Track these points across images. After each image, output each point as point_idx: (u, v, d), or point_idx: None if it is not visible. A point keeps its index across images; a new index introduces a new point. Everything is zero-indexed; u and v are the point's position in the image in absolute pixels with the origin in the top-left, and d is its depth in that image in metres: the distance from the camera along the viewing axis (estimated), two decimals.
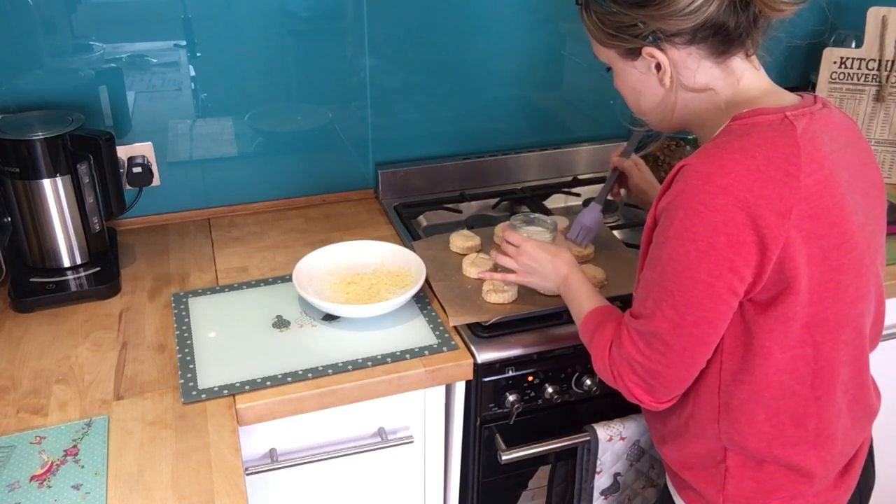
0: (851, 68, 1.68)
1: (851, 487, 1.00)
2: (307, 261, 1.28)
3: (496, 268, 1.22)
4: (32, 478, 0.92)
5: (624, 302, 1.24)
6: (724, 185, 0.79)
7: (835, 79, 1.69)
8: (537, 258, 1.11)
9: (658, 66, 0.89)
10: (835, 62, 1.68)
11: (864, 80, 1.68)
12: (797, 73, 1.85)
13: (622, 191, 1.34)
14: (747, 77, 0.90)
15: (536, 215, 1.25)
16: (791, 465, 0.93)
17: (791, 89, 0.94)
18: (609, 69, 0.98)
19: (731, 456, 0.94)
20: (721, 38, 0.86)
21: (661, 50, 0.87)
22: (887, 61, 1.65)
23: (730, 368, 0.89)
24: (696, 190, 0.81)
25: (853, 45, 1.71)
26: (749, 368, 0.88)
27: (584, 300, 1.04)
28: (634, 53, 0.90)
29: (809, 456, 0.93)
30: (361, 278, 1.29)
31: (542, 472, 1.34)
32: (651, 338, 0.87)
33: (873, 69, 1.67)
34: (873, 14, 1.63)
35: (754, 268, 0.81)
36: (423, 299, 1.26)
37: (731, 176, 0.79)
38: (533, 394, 1.22)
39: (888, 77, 1.66)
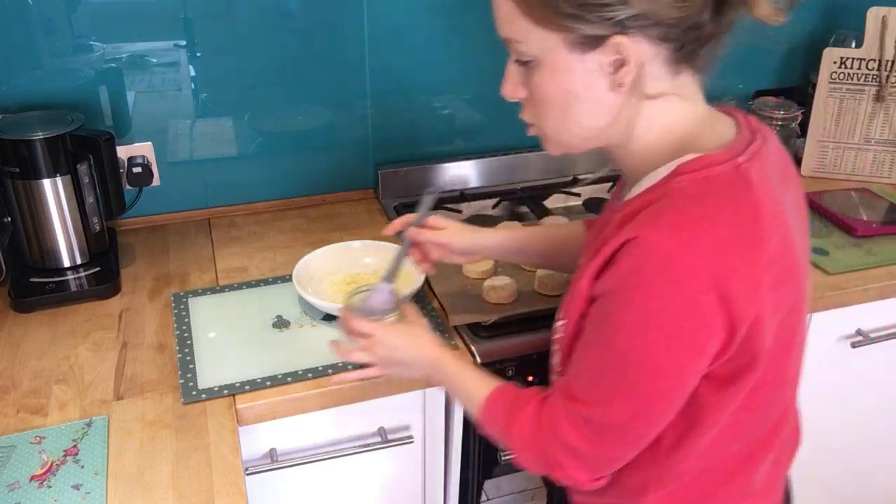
0: (851, 68, 1.68)
1: None
2: (307, 261, 1.28)
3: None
4: (32, 478, 0.92)
5: None
6: (691, 264, 0.67)
7: (835, 79, 1.69)
8: (396, 346, 0.96)
9: (616, 64, 0.72)
10: (835, 62, 1.68)
11: (864, 80, 1.68)
12: (797, 73, 1.85)
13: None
14: (695, 98, 0.78)
15: (375, 285, 1.06)
16: None
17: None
18: (526, 62, 0.77)
19: None
20: (690, 41, 0.72)
21: (634, 42, 0.71)
22: (887, 61, 1.65)
23: (669, 442, 0.80)
24: (658, 271, 0.68)
25: (853, 45, 1.71)
26: (691, 440, 0.79)
27: (471, 383, 0.92)
28: (592, 44, 0.71)
29: None
30: (361, 278, 1.29)
31: None
32: (604, 427, 0.77)
33: (873, 69, 1.67)
34: (873, 14, 1.63)
35: (720, 345, 0.72)
36: (423, 299, 1.26)
37: (698, 253, 0.67)
38: None
39: (888, 77, 1.66)
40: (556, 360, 0.88)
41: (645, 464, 0.82)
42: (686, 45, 0.72)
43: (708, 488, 0.85)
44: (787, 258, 0.74)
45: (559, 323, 0.86)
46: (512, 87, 0.81)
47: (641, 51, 0.71)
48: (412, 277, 1.26)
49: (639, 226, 0.70)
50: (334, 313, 1.20)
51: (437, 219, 1.10)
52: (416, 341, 0.97)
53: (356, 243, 1.34)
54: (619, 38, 0.70)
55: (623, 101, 0.75)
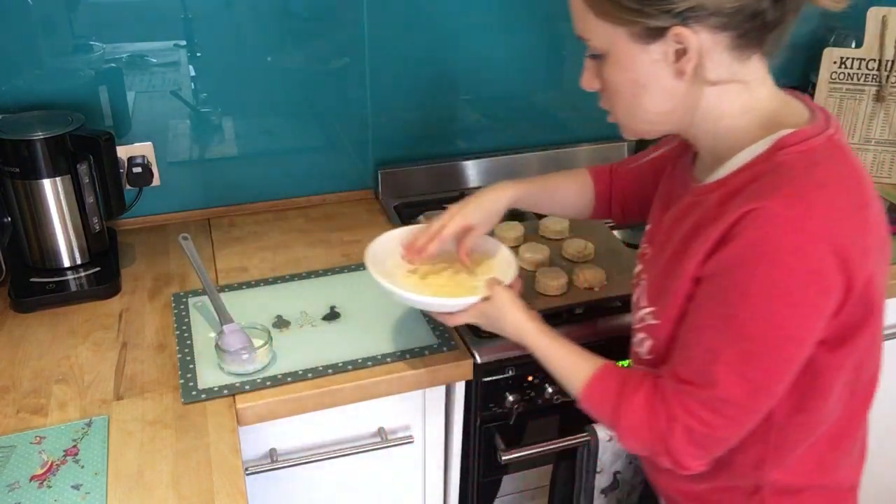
0: (851, 68, 1.68)
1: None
2: (376, 248, 1.12)
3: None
4: (32, 478, 0.92)
5: (624, 302, 1.24)
6: (814, 230, 0.71)
7: (835, 79, 1.69)
8: (504, 309, 1.00)
9: (679, 54, 0.76)
10: (835, 62, 1.68)
11: (864, 80, 1.68)
12: (797, 73, 1.85)
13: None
14: (767, 82, 0.81)
15: (222, 328, 1.11)
16: (830, 488, 0.89)
17: (785, 90, 0.90)
18: (596, 57, 0.82)
19: (765, 489, 0.88)
20: (752, 28, 0.75)
21: (693, 32, 0.74)
22: (887, 61, 1.65)
23: (784, 411, 0.82)
24: (785, 239, 0.71)
25: (853, 45, 1.71)
26: (808, 407, 0.82)
27: (571, 357, 0.93)
28: (654, 35, 0.75)
29: (844, 476, 0.90)
30: (438, 268, 1.12)
31: (542, 472, 1.34)
32: (722, 405, 0.78)
33: (873, 69, 1.67)
34: (873, 14, 1.63)
35: (836, 307, 0.75)
36: None
37: (819, 220, 0.71)
38: (533, 394, 1.22)
39: (888, 77, 1.66)
40: (644, 347, 0.90)
41: (756, 440, 0.84)
42: (749, 33, 0.75)
43: (819, 455, 0.86)
44: (882, 224, 0.78)
45: (646, 310, 0.89)
46: (588, 80, 0.86)
47: (701, 40, 0.74)
48: (505, 269, 1.10)
49: (754, 198, 0.73)
50: (416, 306, 1.09)
51: (452, 223, 1.07)
52: (516, 312, 0.99)
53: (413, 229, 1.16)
54: (678, 29, 0.74)
55: (687, 88, 0.79)
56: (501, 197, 1.10)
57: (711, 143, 0.85)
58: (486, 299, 1.01)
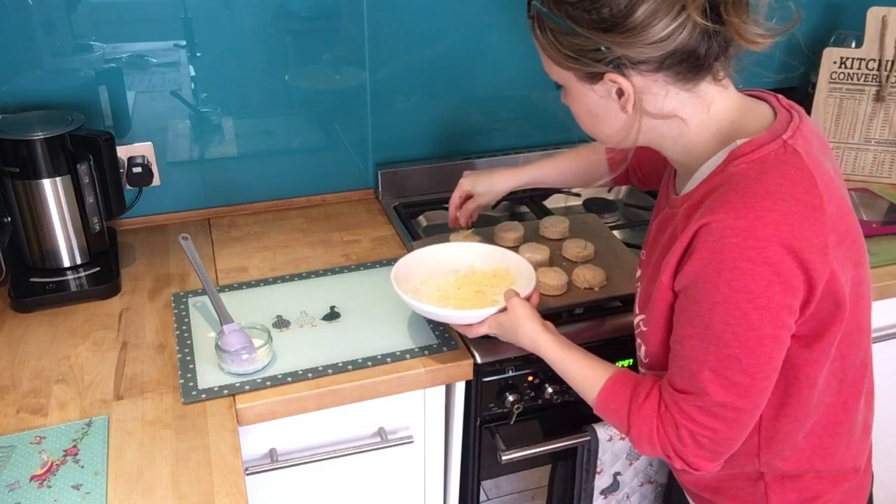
0: (851, 68, 1.68)
1: (870, 463, 1.03)
2: (401, 266, 1.16)
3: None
4: (32, 478, 0.92)
5: (624, 302, 1.24)
6: (768, 235, 0.75)
7: (835, 79, 1.69)
8: (517, 321, 1.03)
9: (620, 92, 0.84)
10: (835, 62, 1.68)
11: (864, 80, 1.68)
12: (797, 73, 1.85)
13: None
14: (717, 101, 0.86)
15: (222, 328, 1.13)
16: (828, 472, 0.94)
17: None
18: (559, 87, 0.92)
19: (767, 475, 0.94)
20: (689, 65, 0.81)
21: (625, 76, 0.82)
22: (887, 61, 1.65)
23: (772, 404, 0.87)
24: (739, 248, 0.76)
25: (853, 45, 1.71)
26: (792, 400, 0.87)
27: (583, 364, 0.97)
28: (594, 78, 0.84)
29: (845, 459, 0.94)
30: (462, 283, 1.18)
31: (542, 472, 1.34)
32: (718, 409, 0.83)
33: (873, 69, 1.67)
34: (873, 14, 1.63)
35: (802, 303, 0.80)
36: None
37: (772, 226, 0.75)
38: (533, 394, 1.22)
39: (888, 77, 1.66)
40: (641, 353, 0.96)
41: (751, 432, 0.89)
42: (687, 70, 0.81)
43: (816, 441, 0.92)
44: (844, 220, 0.82)
45: (638, 318, 0.95)
46: (562, 99, 0.94)
47: (636, 82, 0.82)
48: (524, 282, 1.14)
49: (708, 212, 0.78)
50: (439, 319, 1.13)
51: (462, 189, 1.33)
52: (530, 324, 1.02)
53: (441, 247, 1.23)
54: (611, 76, 0.82)
55: (636, 118, 0.85)
56: (512, 178, 1.31)
57: (679, 159, 0.91)
58: (503, 311, 1.05)
